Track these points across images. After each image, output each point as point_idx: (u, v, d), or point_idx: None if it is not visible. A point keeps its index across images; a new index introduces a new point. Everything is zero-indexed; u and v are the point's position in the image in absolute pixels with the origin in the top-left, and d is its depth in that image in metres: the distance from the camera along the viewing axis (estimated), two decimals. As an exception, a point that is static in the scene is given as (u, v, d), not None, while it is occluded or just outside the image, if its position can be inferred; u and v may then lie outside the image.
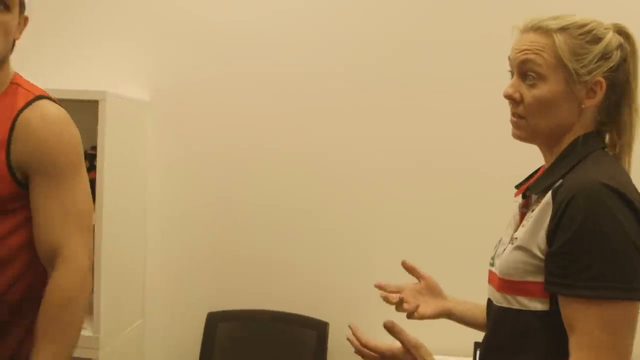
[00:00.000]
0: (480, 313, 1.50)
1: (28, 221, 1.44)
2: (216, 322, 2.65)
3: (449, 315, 1.58)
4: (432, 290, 1.60)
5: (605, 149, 1.31)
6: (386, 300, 1.48)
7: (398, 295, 1.50)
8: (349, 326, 1.36)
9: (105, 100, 2.26)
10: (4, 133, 1.48)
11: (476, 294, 1.58)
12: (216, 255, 2.72)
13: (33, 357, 1.35)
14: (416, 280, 1.63)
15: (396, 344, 1.30)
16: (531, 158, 1.50)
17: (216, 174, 2.71)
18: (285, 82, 2.66)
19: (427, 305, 1.55)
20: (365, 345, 1.32)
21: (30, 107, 1.51)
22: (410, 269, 1.63)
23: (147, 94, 2.72)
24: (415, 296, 1.57)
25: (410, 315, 1.47)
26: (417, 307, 1.48)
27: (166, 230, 2.76)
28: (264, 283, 2.69)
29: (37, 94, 1.59)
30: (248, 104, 2.67)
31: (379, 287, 1.56)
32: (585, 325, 1.14)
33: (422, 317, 1.52)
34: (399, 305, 1.47)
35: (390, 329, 1.27)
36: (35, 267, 1.45)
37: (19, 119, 1.48)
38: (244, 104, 2.68)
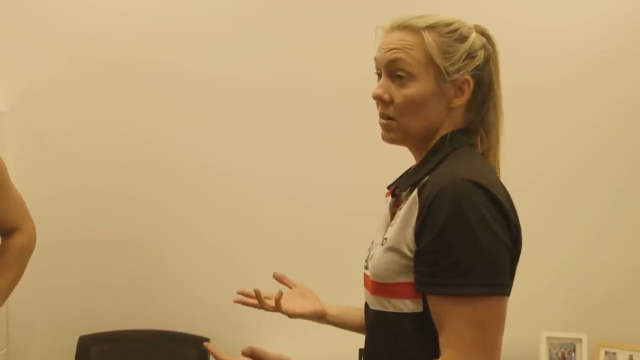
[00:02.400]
0: (359, 314, 1.48)
1: None
2: (89, 346, 2.56)
3: (322, 316, 1.55)
4: (305, 295, 1.58)
5: (473, 146, 1.32)
6: (243, 303, 1.50)
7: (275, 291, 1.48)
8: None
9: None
10: None
11: (356, 301, 1.55)
12: (86, 275, 2.63)
13: None
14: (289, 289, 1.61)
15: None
16: (406, 159, 1.46)
17: (82, 190, 2.62)
18: (153, 88, 2.62)
19: (300, 305, 1.52)
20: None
21: None
22: (280, 279, 1.60)
23: (2, 103, 2.58)
24: (288, 298, 1.55)
25: (278, 308, 1.46)
26: (281, 292, 1.46)
27: (31, 250, 2.60)
28: (138, 301, 2.63)
29: None
30: (115, 114, 2.61)
31: (240, 294, 1.52)
32: (455, 323, 1.14)
33: (293, 314, 1.50)
34: (277, 303, 1.45)
35: (250, 354, 1.19)
36: None
37: None
38: (109, 110, 2.61)
